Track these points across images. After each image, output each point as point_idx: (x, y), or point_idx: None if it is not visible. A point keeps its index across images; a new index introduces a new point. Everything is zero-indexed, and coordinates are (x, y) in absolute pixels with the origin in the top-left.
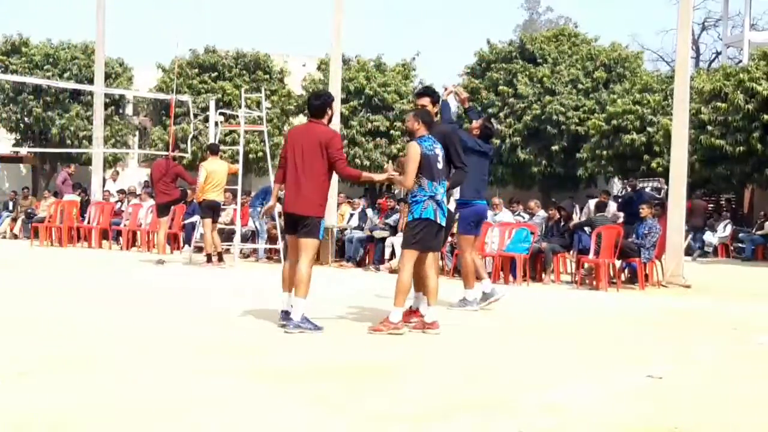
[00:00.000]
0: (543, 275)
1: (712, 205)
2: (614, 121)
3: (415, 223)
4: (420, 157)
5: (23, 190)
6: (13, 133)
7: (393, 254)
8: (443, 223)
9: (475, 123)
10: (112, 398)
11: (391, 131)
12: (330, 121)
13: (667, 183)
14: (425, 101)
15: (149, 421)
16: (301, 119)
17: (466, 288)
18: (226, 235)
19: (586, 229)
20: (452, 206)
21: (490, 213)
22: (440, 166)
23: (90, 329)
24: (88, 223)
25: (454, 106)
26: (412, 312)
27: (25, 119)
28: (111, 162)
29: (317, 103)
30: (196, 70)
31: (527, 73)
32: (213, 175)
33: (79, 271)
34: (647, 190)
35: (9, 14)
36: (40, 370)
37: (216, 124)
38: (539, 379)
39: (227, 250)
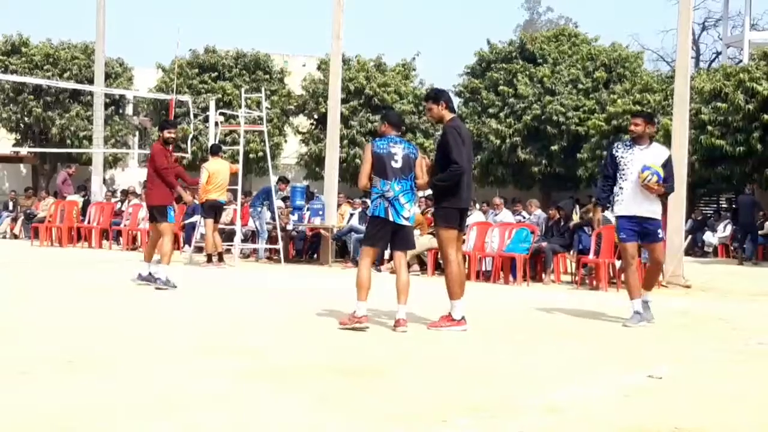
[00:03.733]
0: (543, 275)
1: (714, 206)
2: (614, 121)
3: (369, 221)
4: (372, 156)
5: (26, 191)
6: (13, 133)
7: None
8: (398, 221)
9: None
10: (113, 398)
11: None
12: (165, 141)
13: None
14: (428, 104)
15: (149, 421)
16: (300, 119)
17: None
18: (227, 235)
19: (586, 229)
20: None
21: (490, 213)
22: (396, 164)
23: (90, 329)
24: (88, 223)
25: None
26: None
27: (25, 119)
28: (111, 162)
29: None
30: (196, 70)
31: (527, 73)
32: (216, 176)
33: (79, 271)
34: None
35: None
36: (41, 370)
37: (216, 124)
38: (539, 379)
39: (227, 251)
